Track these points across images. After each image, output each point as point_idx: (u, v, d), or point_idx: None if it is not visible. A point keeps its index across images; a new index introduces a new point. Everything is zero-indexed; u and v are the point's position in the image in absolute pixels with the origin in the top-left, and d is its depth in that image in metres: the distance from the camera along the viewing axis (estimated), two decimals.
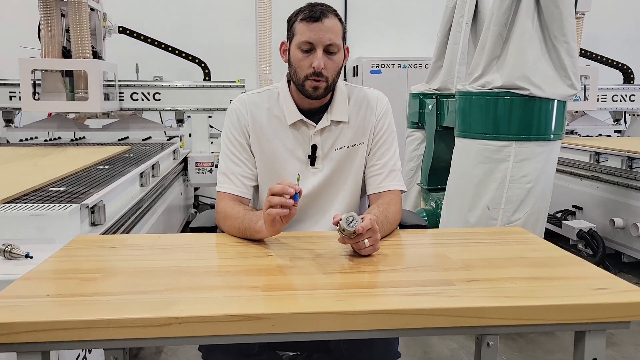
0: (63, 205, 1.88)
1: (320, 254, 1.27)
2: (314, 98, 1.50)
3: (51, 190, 2.18)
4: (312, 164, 1.57)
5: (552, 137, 2.68)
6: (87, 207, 1.97)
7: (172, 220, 3.84)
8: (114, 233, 2.22)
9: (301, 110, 1.56)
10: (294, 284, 1.11)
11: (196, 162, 4.44)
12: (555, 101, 2.63)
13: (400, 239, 1.46)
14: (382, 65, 5.48)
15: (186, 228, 4.91)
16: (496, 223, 2.70)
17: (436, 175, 3.43)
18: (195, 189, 5.23)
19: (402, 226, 1.56)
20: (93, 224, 2.06)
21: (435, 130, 3.36)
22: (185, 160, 4.45)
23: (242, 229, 1.38)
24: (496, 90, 2.67)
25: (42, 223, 1.80)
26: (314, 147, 1.56)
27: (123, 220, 2.37)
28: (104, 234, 2.08)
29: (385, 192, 1.56)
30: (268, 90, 1.63)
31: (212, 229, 1.55)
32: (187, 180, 4.51)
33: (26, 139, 4.63)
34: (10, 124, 4.44)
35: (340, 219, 1.23)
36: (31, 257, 1.63)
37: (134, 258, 1.26)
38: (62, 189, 2.22)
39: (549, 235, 3.53)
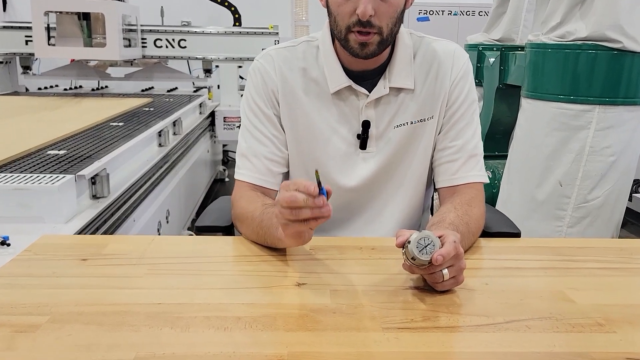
0: (55, 176, 1.56)
1: (374, 285, 0.86)
2: (362, 57, 1.05)
3: (48, 155, 1.86)
4: (363, 146, 1.14)
5: None
6: (85, 178, 1.65)
7: (196, 181, 3.53)
8: (122, 204, 1.92)
9: (349, 73, 1.11)
10: (333, 353, 0.68)
11: (224, 117, 4.08)
12: None
13: (488, 259, 1.03)
14: (431, 12, 4.95)
15: (214, 185, 4.61)
16: (569, 202, 2.29)
17: (494, 140, 3.02)
18: (224, 145, 4.90)
19: (485, 233, 1.13)
20: (94, 197, 1.75)
21: (496, 88, 2.91)
22: (212, 114, 4.10)
23: (261, 234, 0.99)
24: (579, 42, 2.21)
25: (28, 199, 1.48)
26: (366, 124, 1.13)
27: (134, 189, 2.05)
28: (109, 207, 1.77)
29: (462, 185, 1.14)
30: (304, 43, 1.17)
31: (227, 228, 1.15)
32: (215, 137, 4.17)
33: (45, 87, 4.35)
34: (28, 70, 4.14)
35: (409, 242, 0.81)
36: (8, 245, 1.32)
37: (105, 284, 0.86)
38: (61, 152, 1.90)
39: None
